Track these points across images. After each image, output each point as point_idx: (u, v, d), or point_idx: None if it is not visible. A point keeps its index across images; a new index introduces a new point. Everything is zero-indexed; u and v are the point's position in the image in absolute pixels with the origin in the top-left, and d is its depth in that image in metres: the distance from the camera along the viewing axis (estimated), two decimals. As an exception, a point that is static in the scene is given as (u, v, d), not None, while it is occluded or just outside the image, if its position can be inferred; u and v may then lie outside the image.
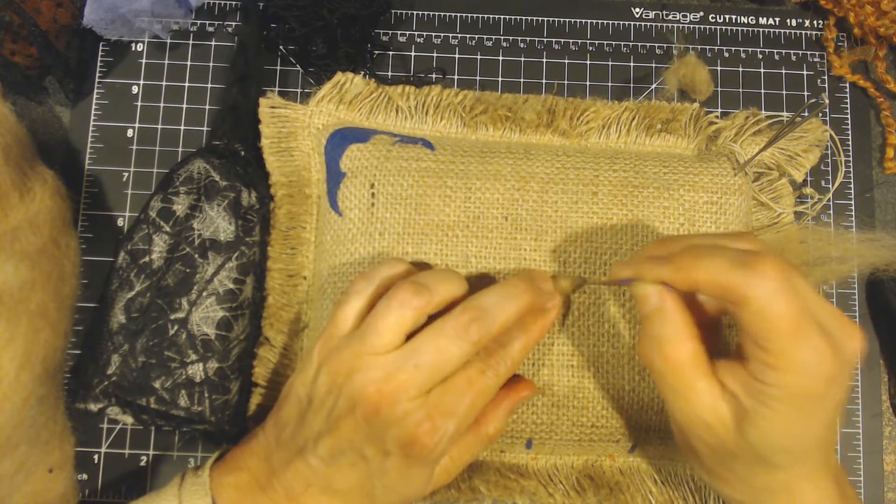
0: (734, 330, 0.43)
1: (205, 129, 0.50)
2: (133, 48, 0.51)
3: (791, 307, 0.31)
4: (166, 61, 0.51)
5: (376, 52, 0.51)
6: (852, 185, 0.50)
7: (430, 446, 0.34)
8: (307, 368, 0.37)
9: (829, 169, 0.50)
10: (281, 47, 0.51)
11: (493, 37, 0.52)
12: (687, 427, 0.35)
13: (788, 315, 0.31)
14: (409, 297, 0.35)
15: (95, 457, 0.46)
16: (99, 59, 0.51)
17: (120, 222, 0.49)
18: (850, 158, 0.51)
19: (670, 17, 0.53)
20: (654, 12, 0.53)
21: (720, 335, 0.39)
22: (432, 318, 0.36)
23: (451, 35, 0.52)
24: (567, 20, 0.52)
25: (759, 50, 0.52)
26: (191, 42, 0.51)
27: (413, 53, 0.52)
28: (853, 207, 0.50)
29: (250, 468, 0.37)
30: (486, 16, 0.52)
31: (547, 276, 0.39)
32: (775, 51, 0.52)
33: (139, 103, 0.50)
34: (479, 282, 0.42)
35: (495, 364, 0.36)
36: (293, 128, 0.47)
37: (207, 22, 0.51)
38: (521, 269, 0.43)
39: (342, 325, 0.37)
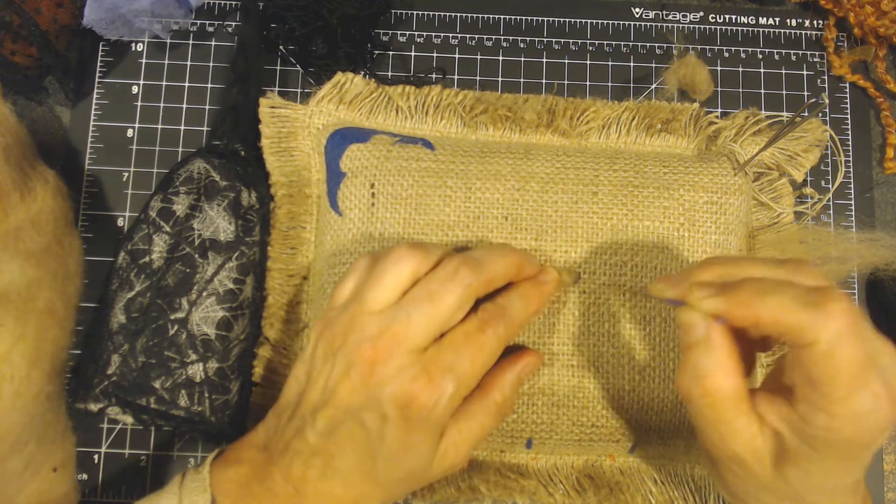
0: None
1: (205, 129, 0.50)
2: (133, 48, 0.51)
3: (858, 352, 0.29)
4: (166, 61, 0.51)
5: (376, 52, 0.51)
6: (852, 185, 0.50)
7: (429, 405, 0.33)
8: (306, 348, 0.37)
9: (829, 169, 0.50)
10: (281, 47, 0.51)
11: (493, 37, 0.52)
12: (719, 460, 0.34)
13: (855, 360, 0.29)
14: (405, 253, 0.35)
15: (95, 457, 0.46)
16: (99, 59, 0.51)
17: (120, 222, 0.49)
18: (850, 158, 0.51)
19: (670, 17, 0.53)
20: (654, 12, 0.53)
21: (754, 366, 0.38)
22: None
23: (451, 35, 0.52)
24: (567, 20, 0.52)
25: (759, 50, 0.52)
26: (191, 42, 0.51)
27: (413, 53, 0.52)
28: (853, 207, 0.50)
29: (249, 460, 0.36)
30: (486, 16, 0.52)
31: (531, 254, 0.39)
32: (775, 51, 0.52)
33: (139, 103, 0.50)
34: None
35: (494, 323, 0.35)
36: (293, 128, 0.47)
37: (207, 22, 0.51)
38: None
39: (339, 299, 0.37)
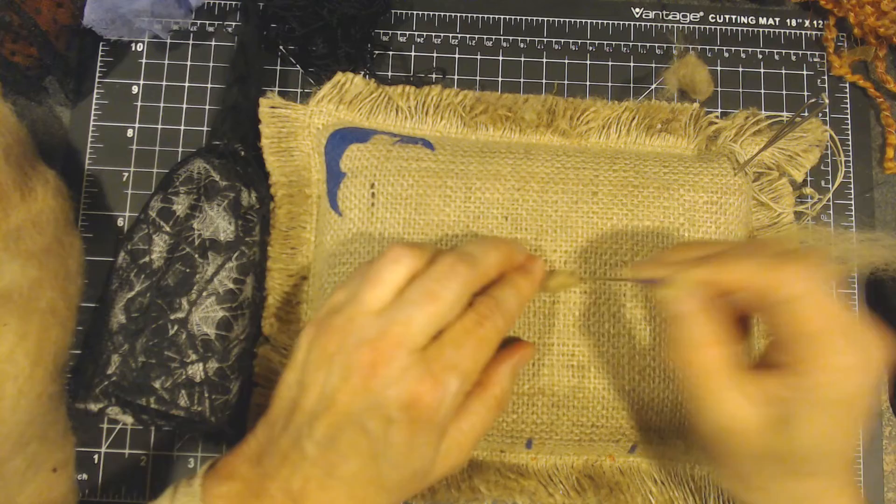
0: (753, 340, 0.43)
1: (205, 129, 0.50)
2: (133, 48, 0.51)
3: (827, 307, 0.31)
4: (166, 61, 0.51)
5: (376, 52, 0.51)
6: (852, 185, 0.50)
7: (434, 405, 0.33)
8: (295, 354, 0.35)
9: (829, 169, 0.50)
10: (281, 47, 0.51)
11: (493, 37, 0.52)
12: (715, 433, 0.34)
13: (825, 314, 0.31)
14: (402, 252, 0.34)
15: (95, 457, 0.46)
16: (99, 59, 0.51)
17: (120, 222, 0.49)
18: (850, 158, 0.51)
19: (670, 17, 0.53)
20: (654, 12, 0.53)
21: (748, 343, 0.38)
22: None
23: (451, 35, 0.52)
24: (567, 20, 0.52)
25: (759, 50, 0.52)
26: (191, 42, 0.51)
27: (413, 53, 0.52)
28: (853, 207, 0.50)
29: (242, 476, 0.35)
30: (486, 16, 0.52)
31: (518, 241, 0.40)
32: (775, 51, 0.52)
33: (139, 103, 0.50)
34: None
35: (490, 315, 0.34)
36: (293, 128, 0.47)
37: (207, 22, 0.51)
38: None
39: (335, 304, 0.35)
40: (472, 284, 0.35)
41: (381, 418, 0.33)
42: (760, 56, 0.52)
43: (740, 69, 0.52)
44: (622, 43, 0.52)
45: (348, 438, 0.33)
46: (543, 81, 0.51)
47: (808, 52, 0.52)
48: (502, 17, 0.52)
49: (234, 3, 0.52)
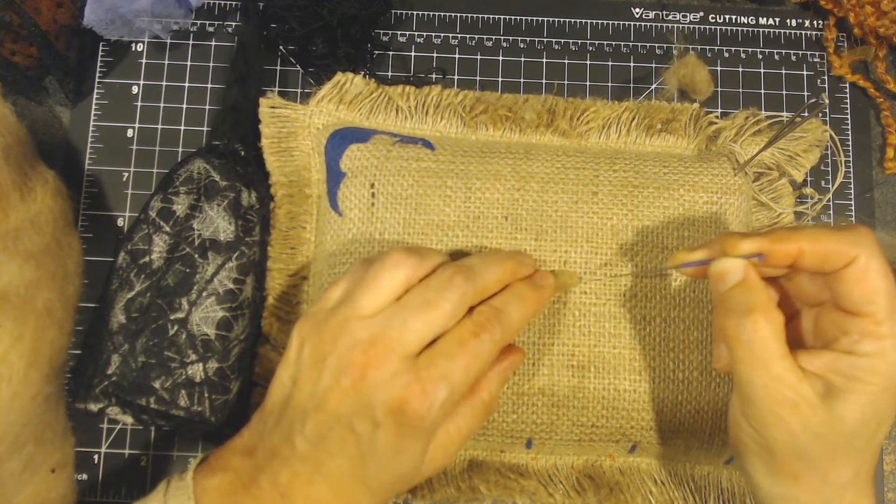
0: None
1: (205, 129, 0.50)
2: (133, 48, 0.51)
3: (889, 271, 0.32)
4: (166, 61, 0.51)
5: (376, 52, 0.51)
6: (852, 185, 0.50)
7: (422, 412, 0.33)
8: (289, 351, 0.36)
9: (829, 169, 0.50)
10: (281, 47, 0.51)
11: (493, 37, 0.52)
12: (769, 408, 0.33)
13: (889, 277, 0.31)
14: (402, 258, 0.34)
15: (95, 457, 0.46)
16: (99, 59, 0.51)
17: (120, 222, 0.49)
18: (850, 158, 0.51)
19: (670, 17, 0.53)
20: (654, 12, 0.53)
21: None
22: None
23: (451, 35, 0.52)
24: (567, 20, 0.52)
25: (759, 50, 0.52)
26: (191, 42, 0.51)
27: (413, 53, 0.52)
28: (853, 207, 0.50)
29: (234, 467, 0.35)
30: (486, 16, 0.52)
31: (527, 254, 0.40)
32: (775, 51, 0.52)
33: (139, 103, 0.50)
34: None
35: (490, 327, 0.34)
36: (293, 128, 0.47)
37: (207, 22, 0.51)
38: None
39: (329, 301, 0.36)
40: (471, 297, 0.35)
41: (369, 420, 0.33)
42: (760, 56, 0.52)
43: (740, 69, 0.52)
44: (622, 43, 0.52)
45: (337, 437, 0.34)
46: (543, 81, 0.51)
47: (808, 52, 0.52)
48: (502, 17, 0.52)
49: (234, 3, 0.52)
